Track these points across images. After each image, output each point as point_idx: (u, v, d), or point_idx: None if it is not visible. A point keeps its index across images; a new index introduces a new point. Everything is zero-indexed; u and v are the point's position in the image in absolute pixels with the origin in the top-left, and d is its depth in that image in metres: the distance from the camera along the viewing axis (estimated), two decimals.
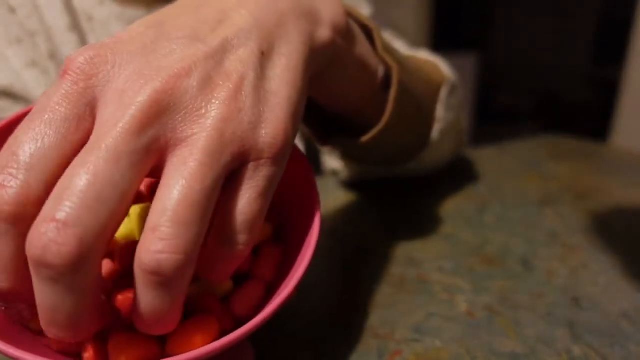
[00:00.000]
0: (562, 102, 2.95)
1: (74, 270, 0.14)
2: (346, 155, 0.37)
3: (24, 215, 0.14)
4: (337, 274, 0.29)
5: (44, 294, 0.14)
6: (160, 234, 0.14)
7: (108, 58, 0.16)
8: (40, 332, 0.18)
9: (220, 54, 0.17)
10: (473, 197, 0.41)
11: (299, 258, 0.19)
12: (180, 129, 0.16)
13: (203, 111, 0.16)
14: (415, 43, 0.46)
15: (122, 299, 0.18)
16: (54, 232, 0.13)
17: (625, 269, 0.29)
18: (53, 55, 0.38)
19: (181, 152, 0.15)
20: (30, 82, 0.37)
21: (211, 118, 0.16)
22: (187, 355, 0.15)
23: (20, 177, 0.14)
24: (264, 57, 0.18)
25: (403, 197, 0.42)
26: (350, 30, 0.24)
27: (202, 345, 0.16)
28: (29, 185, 0.14)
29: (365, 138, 0.27)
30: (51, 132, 0.15)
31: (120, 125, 0.15)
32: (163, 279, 0.14)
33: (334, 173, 0.48)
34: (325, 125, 0.30)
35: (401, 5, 2.08)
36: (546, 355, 0.22)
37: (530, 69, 3.13)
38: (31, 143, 0.15)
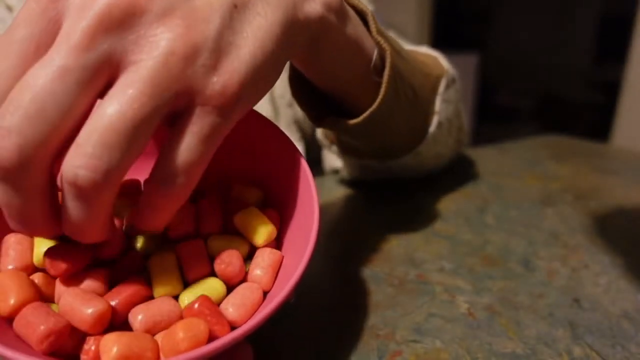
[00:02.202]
0: (562, 102, 2.95)
1: (17, 173, 0.15)
2: (343, 146, 0.37)
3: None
4: (337, 274, 0.29)
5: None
6: (83, 151, 0.15)
7: None
8: None
9: None
10: (473, 197, 0.41)
11: (297, 261, 0.19)
12: (131, 51, 0.16)
13: (156, 39, 0.16)
14: (415, 43, 0.46)
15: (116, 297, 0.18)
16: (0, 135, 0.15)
17: (626, 269, 0.29)
18: None
19: (126, 76, 0.16)
20: None
21: (162, 48, 0.16)
22: (182, 356, 0.15)
23: None
24: (236, 10, 0.18)
25: (403, 197, 0.41)
26: (344, 10, 0.24)
27: (188, 349, 0.16)
28: None
29: (359, 119, 0.28)
30: (13, 50, 0.16)
31: (72, 40, 0.15)
32: (79, 192, 0.15)
33: (335, 172, 0.48)
34: (322, 108, 0.30)
35: (401, 5, 2.08)
36: (547, 355, 0.22)
37: (530, 69, 3.14)
38: None
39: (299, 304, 0.26)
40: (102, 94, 0.16)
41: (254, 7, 0.18)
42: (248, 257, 0.22)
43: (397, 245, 0.33)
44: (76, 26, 0.15)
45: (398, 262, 0.30)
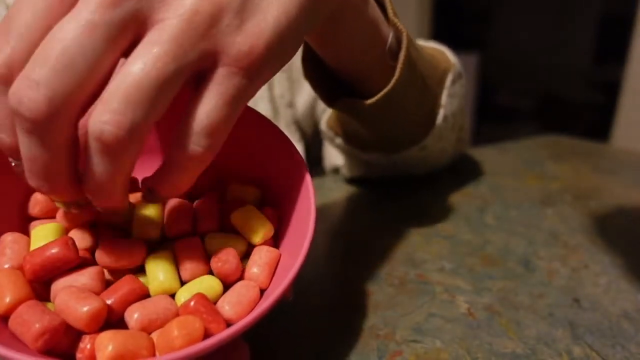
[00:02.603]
0: (562, 102, 2.95)
1: (44, 124, 0.15)
2: (349, 137, 0.37)
3: (13, 76, 0.16)
4: (337, 274, 0.29)
5: (23, 144, 0.16)
6: (109, 107, 0.15)
7: None
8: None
9: None
10: (473, 197, 0.41)
11: (294, 259, 0.19)
12: (157, 10, 0.16)
13: None
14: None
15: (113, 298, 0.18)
16: (27, 89, 0.15)
17: (626, 269, 0.29)
18: None
19: (151, 34, 0.16)
20: None
21: (187, 6, 0.16)
22: (176, 354, 0.15)
23: (12, 43, 0.16)
24: None
25: (403, 196, 0.41)
26: None
27: (183, 347, 0.16)
28: (16, 51, 0.16)
29: (373, 99, 0.28)
30: (36, 4, 0.16)
31: None
32: (105, 147, 0.16)
33: (335, 171, 0.48)
34: (334, 91, 0.31)
35: (401, 6, 2.07)
36: (547, 355, 0.22)
37: (530, 69, 3.14)
38: (22, 12, 0.16)
39: (299, 303, 0.26)
40: (127, 52, 0.16)
41: None
42: (245, 255, 0.22)
43: (397, 245, 0.33)
44: None
45: (398, 262, 0.30)
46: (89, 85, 0.15)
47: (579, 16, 2.99)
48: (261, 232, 0.21)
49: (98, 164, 0.16)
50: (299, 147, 0.47)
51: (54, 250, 0.18)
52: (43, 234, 0.20)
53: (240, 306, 0.19)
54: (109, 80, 0.16)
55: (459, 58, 0.42)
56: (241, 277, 0.21)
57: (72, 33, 0.15)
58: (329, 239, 0.34)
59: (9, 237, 0.20)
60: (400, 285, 0.28)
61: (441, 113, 0.36)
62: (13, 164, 0.18)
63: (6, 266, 0.19)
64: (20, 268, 0.19)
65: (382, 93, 0.28)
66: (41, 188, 0.17)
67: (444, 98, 0.36)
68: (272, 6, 0.18)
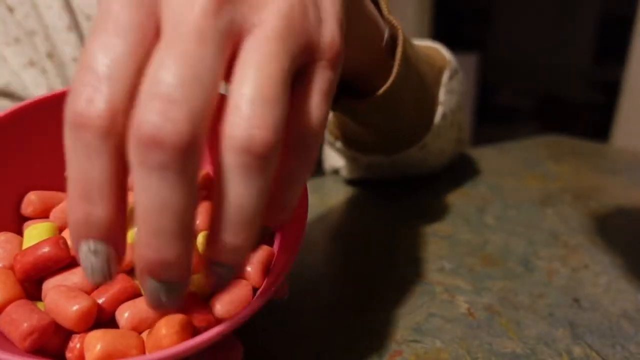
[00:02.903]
0: (562, 102, 2.95)
1: (186, 153, 0.13)
2: (349, 140, 0.37)
3: (116, 127, 0.13)
4: (336, 274, 0.29)
5: (150, 189, 0.13)
6: (249, 112, 0.14)
7: None
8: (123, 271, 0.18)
9: None
10: (473, 197, 0.41)
11: (287, 258, 0.19)
12: (251, 15, 0.15)
13: None
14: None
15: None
16: (163, 110, 0.13)
17: (626, 269, 0.29)
18: (51, 55, 0.38)
19: (255, 37, 0.15)
20: (29, 82, 0.37)
21: (280, 6, 0.16)
22: (164, 352, 0.15)
23: (104, 88, 0.14)
24: None
25: (403, 197, 0.41)
26: None
27: (171, 345, 0.16)
28: (114, 95, 0.14)
29: (372, 97, 0.28)
30: (119, 41, 0.14)
31: (197, 7, 0.14)
32: (253, 160, 0.14)
33: (335, 172, 0.48)
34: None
35: (401, 5, 2.07)
36: (547, 355, 0.22)
37: (530, 69, 3.13)
38: (103, 54, 0.14)
39: (299, 303, 0.26)
40: (230, 62, 0.15)
41: None
42: None
43: (397, 245, 0.32)
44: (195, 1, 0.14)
45: (398, 262, 0.30)
46: (214, 97, 0.14)
47: (579, 16, 2.99)
48: None
49: (243, 185, 0.14)
50: None
51: (45, 250, 0.18)
52: (36, 233, 0.20)
53: (233, 305, 0.19)
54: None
55: (459, 58, 0.43)
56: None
57: (187, 47, 0.14)
58: (328, 239, 0.34)
59: (1, 236, 0.20)
60: (400, 284, 0.28)
61: (440, 110, 0.36)
62: (93, 251, 0.14)
63: None
64: (11, 268, 0.19)
65: (381, 90, 0.28)
66: (168, 256, 0.13)
67: (442, 95, 0.36)
68: (328, 1, 0.18)
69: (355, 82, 0.29)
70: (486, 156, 0.54)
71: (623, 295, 0.26)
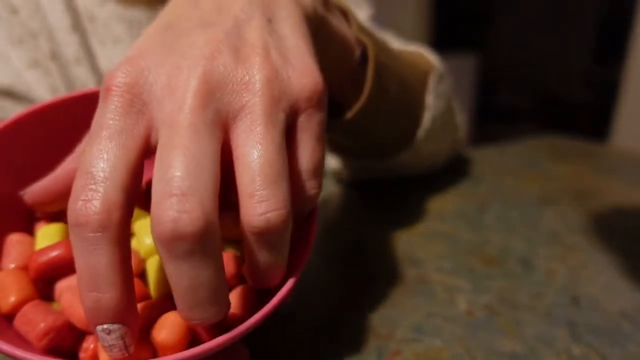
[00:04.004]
0: (562, 102, 2.95)
1: (206, 237, 0.15)
2: (338, 147, 0.37)
3: (112, 221, 0.15)
4: (336, 274, 0.29)
5: (182, 274, 0.15)
6: (260, 197, 0.16)
7: (142, 65, 0.17)
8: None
9: (236, 29, 0.18)
10: (473, 197, 0.41)
11: (294, 263, 0.19)
12: (234, 101, 0.17)
13: (247, 79, 0.17)
14: (414, 43, 0.46)
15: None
16: (177, 204, 0.14)
17: (625, 269, 0.29)
18: (55, 56, 0.38)
19: (243, 121, 0.17)
20: (32, 83, 0.37)
21: (257, 82, 0.17)
22: (174, 356, 0.15)
23: (100, 189, 0.15)
24: (271, 23, 0.19)
25: (403, 196, 0.42)
26: (329, 4, 0.25)
27: (168, 344, 0.16)
28: (109, 194, 0.15)
29: (347, 115, 0.28)
30: (113, 145, 0.16)
31: (186, 107, 0.16)
32: (272, 237, 0.16)
33: (334, 173, 0.48)
34: None
35: (401, 6, 2.07)
36: (546, 355, 0.22)
37: (530, 69, 3.13)
38: (100, 160, 0.16)
39: (299, 303, 0.26)
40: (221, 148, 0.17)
41: (279, 14, 0.20)
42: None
43: (397, 245, 0.33)
44: (183, 100, 0.16)
45: (398, 261, 0.30)
46: (219, 184, 0.16)
47: (579, 17, 2.99)
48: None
49: (268, 255, 0.17)
50: None
51: (59, 252, 0.18)
52: (48, 234, 0.20)
53: (238, 310, 0.19)
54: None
55: (459, 58, 0.43)
56: (239, 281, 0.21)
57: (183, 142, 0.15)
58: (328, 239, 0.34)
59: (14, 237, 0.20)
60: (400, 284, 0.28)
61: (428, 115, 0.36)
62: (107, 332, 0.15)
63: (11, 266, 0.19)
64: (24, 268, 0.19)
65: (354, 109, 0.28)
66: (210, 319, 0.16)
67: (430, 100, 0.36)
68: (296, 40, 0.19)
69: (332, 98, 0.29)
70: (486, 156, 0.54)
71: (622, 295, 0.27)
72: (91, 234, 0.15)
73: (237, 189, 0.17)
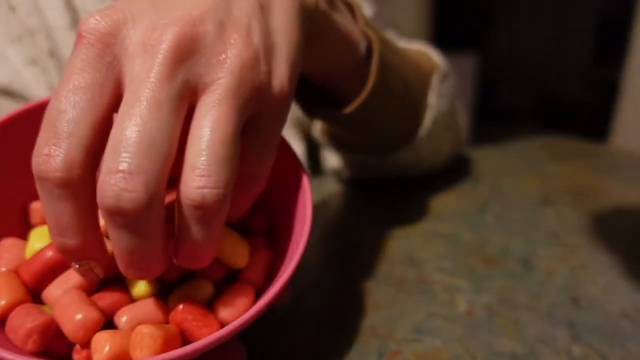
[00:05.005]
0: (562, 102, 2.95)
1: (145, 213, 0.15)
2: (338, 141, 0.37)
3: (72, 178, 0.15)
4: (337, 274, 0.29)
5: (121, 240, 0.16)
6: (201, 171, 0.16)
7: (119, 16, 0.17)
8: (110, 282, 0.19)
9: (226, 3, 0.18)
10: (473, 197, 0.41)
11: (289, 262, 0.19)
12: (205, 73, 0.17)
13: (224, 56, 0.17)
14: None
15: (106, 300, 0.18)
16: (122, 181, 0.15)
17: (625, 269, 0.29)
18: (53, 54, 0.38)
19: (209, 96, 0.17)
20: (30, 81, 0.37)
21: (234, 63, 0.17)
22: (166, 355, 0.15)
23: (63, 145, 0.15)
24: (263, 10, 0.19)
25: (403, 196, 0.42)
26: (333, 0, 0.25)
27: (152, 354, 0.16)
28: (71, 152, 0.15)
29: (349, 108, 0.28)
30: (79, 99, 0.16)
31: (153, 74, 0.16)
32: (206, 213, 0.16)
33: (335, 172, 0.48)
34: (314, 101, 0.31)
35: (401, 5, 2.07)
36: (546, 355, 0.22)
37: (530, 69, 3.13)
38: (64, 114, 0.16)
39: (299, 304, 0.26)
40: (187, 119, 0.17)
41: (274, 3, 0.19)
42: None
43: (397, 245, 0.33)
44: (152, 62, 0.16)
45: (398, 262, 0.30)
46: (171, 160, 0.16)
47: (579, 16, 2.99)
48: (243, 256, 0.21)
49: (199, 231, 0.17)
50: (301, 147, 0.47)
51: (50, 254, 0.18)
52: (40, 234, 0.20)
53: (235, 308, 0.19)
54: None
55: (459, 58, 0.43)
56: (237, 279, 0.21)
57: (141, 115, 0.15)
58: (328, 239, 0.34)
59: (8, 241, 0.20)
60: (399, 285, 0.28)
61: (430, 114, 0.36)
62: (77, 266, 0.17)
63: (3, 269, 0.19)
64: (16, 271, 0.19)
65: (356, 103, 0.28)
66: (140, 276, 0.17)
67: (433, 99, 0.36)
68: (282, 39, 0.19)
69: (335, 92, 0.29)
70: (486, 156, 0.54)
71: (622, 295, 0.27)
72: (53, 188, 0.15)
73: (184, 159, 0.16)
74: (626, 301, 0.26)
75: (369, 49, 0.28)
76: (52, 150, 0.15)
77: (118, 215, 0.15)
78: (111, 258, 0.17)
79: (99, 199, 0.15)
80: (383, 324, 0.24)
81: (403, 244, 0.33)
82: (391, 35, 0.46)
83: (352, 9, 0.28)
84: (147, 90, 0.16)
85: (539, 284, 0.28)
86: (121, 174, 0.15)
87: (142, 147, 0.15)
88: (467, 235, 0.34)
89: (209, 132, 0.16)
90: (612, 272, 0.29)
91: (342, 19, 0.25)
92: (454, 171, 0.48)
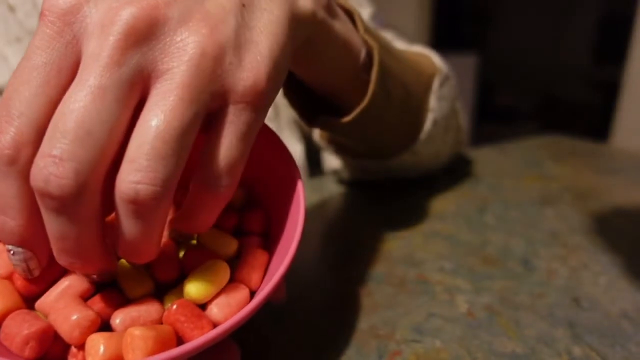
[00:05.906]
0: (562, 102, 2.95)
1: (74, 200, 0.15)
2: (338, 146, 0.37)
3: (20, 157, 0.15)
4: (337, 274, 0.29)
5: (51, 223, 0.15)
6: (138, 165, 0.15)
7: None
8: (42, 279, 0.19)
9: None
10: (473, 197, 0.41)
11: (281, 260, 0.19)
12: (161, 60, 0.16)
13: (184, 43, 0.16)
14: (414, 43, 0.47)
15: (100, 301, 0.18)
16: (52, 166, 0.14)
17: (626, 269, 0.29)
18: None
19: (162, 85, 0.16)
20: None
21: (191, 51, 0.16)
22: (159, 356, 0.15)
23: (14, 123, 0.15)
24: (245, 8, 0.18)
25: (403, 197, 0.42)
26: (333, 7, 0.24)
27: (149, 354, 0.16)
28: (21, 130, 0.15)
29: (349, 117, 0.28)
30: (34, 78, 0.16)
31: (102, 58, 0.15)
32: (140, 208, 0.15)
33: (335, 173, 0.48)
34: (313, 109, 0.31)
35: (401, 5, 2.07)
36: (546, 355, 0.22)
37: (530, 69, 3.13)
38: (18, 92, 0.16)
39: (298, 304, 0.26)
40: (138, 107, 0.16)
41: (259, 3, 0.19)
42: (235, 257, 0.22)
43: (397, 245, 0.33)
44: (104, 44, 0.15)
45: (398, 262, 0.30)
46: (110, 150, 0.15)
47: (579, 16, 2.99)
48: (231, 245, 0.21)
49: (133, 225, 0.16)
50: (299, 147, 0.47)
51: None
52: None
53: (229, 308, 0.18)
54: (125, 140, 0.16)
55: (459, 58, 0.43)
56: (231, 279, 0.21)
57: (83, 101, 0.15)
58: (328, 239, 0.34)
59: (0, 247, 0.20)
60: (400, 285, 0.28)
61: (430, 117, 0.36)
62: (12, 253, 0.17)
63: None
64: (9, 277, 0.19)
65: (356, 111, 0.28)
66: (73, 265, 0.16)
67: (433, 102, 0.36)
68: (263, 36, 0.18)
69: (335, 99, 0.29)
70: (486, 156, 0.54)
71: (623, 295, 0.26)
72: (1, 166, 0.15)
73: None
74: (627, 301, 0.26)
75: (369, 56, 0.28)
76: (2, 128, 0.15)
77: (46, 198, 0.15)
78: (51, 255, 0.17)
79: (30, 178, 0.15)
80: (383, 324, 0.24)
81: (403, 244, 0.33)
82: (391, 36, 0.46)
83: (352, 16, 0.28)
84: (94, 74, 0.15)
85: (540, 284, 0.28)
86: (52, 159, 0.14)
87: (78, 134, 0.14)
88: (467, 235, 0.34)
89: (154, 124, 0.15)
90: (613, 272, 0.29)
91: (341, 26, 0.25)
92: (454, 171, 0.48)
